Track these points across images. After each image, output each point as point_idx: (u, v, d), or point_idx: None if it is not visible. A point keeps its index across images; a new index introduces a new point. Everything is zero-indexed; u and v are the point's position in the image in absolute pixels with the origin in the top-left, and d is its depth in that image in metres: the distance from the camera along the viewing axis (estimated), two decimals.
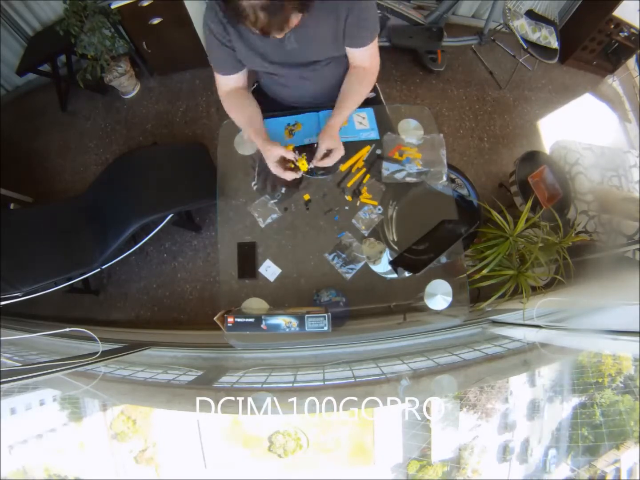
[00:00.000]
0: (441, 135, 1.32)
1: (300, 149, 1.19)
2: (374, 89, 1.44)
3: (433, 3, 2.63)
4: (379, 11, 1.74)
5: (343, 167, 1.31)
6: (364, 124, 1.34)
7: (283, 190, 1.29)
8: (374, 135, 1.32)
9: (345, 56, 1.18)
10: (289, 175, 1.14)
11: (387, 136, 1.32)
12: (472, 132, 2.58)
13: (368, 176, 1.29)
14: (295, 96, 1.32)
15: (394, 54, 2.68)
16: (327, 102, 1.28)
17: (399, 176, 1.28)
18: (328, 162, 1.16)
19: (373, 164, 1.30)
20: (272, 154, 1.13)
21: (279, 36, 0.91)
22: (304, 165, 1.15)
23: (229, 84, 1.20)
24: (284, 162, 1.16)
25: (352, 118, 1.33)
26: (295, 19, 0.87)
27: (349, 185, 1.29)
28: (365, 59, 1.17)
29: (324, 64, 1.17)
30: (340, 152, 1.15)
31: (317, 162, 1.15)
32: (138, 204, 1.87)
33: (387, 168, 1.28)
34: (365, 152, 1.32)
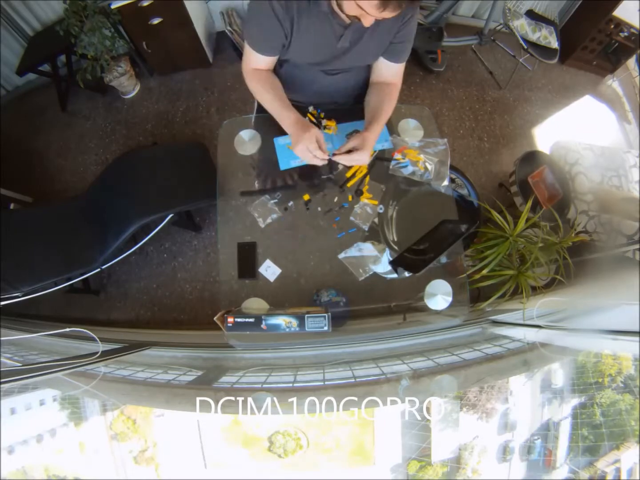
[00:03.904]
0: (445, 140, 1.32)
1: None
2: None
3: (433, 3, 2.63)
4: None
5: (348, 174, 1.30)
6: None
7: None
8: (387, 145, 1.31)
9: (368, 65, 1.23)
10: (318, 161, 1.09)
11: (391, 139, 1.32)
12: (472, 132, 2.58)
13: (368, 177, 1.29)
14: (313, 94, 1.31)
15: None
16: (341, 104, 1.32)
17: (405, 171, 1.28)
18: (346, 160, 1.12)
19: (373, 164, 1.30)
20: (310, 134, 1.06)
21: (392, 14, 0.86)
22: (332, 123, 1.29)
23: (259, 64, 1.15)
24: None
25: None
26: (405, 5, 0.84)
27: (349, 185, 1.29)
28: (396, 74, 1.20)
29: (354, 70, 1.20)
30: (363, 159, 1.11)
31: (338, 154, 1.11)
32: (138, 204, 1.87)
33: (395, 160, 1.29)
34: None
